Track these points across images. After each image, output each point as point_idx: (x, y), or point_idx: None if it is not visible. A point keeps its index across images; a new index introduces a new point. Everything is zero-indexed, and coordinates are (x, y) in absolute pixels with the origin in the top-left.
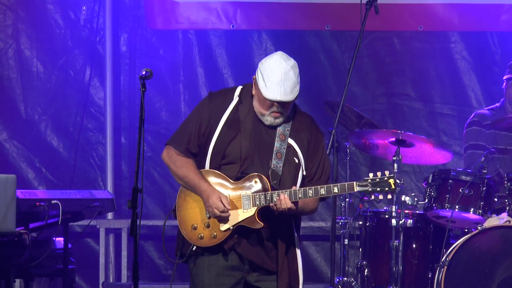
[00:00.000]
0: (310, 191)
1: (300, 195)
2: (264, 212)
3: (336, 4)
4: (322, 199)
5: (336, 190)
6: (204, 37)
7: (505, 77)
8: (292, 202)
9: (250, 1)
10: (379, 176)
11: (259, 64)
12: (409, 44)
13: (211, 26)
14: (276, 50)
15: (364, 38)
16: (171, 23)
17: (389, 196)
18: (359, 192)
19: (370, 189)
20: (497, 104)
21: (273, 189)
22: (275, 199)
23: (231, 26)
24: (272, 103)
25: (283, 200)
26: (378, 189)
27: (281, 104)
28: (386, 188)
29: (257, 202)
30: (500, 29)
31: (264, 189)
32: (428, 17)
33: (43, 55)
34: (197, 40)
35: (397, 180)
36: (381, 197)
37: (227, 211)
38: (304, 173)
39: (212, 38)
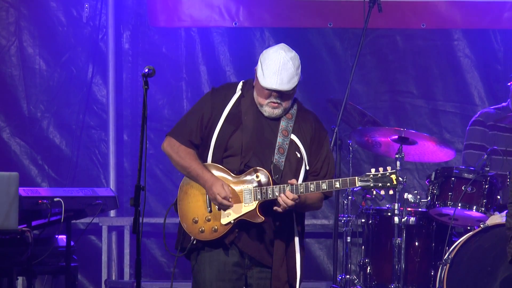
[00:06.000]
0: (312, 186)
1: (301, 190)
2: (266, 206)
3: (339, 1)
4: (326, 197)
5: (338, 185)
6: (207, 34)
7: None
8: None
9: None
10: (381, 172)
11: (260, 55)
12: (412, 41)
13: (214, 23)
14: None
15: (367, 36)
16: (174, 20)
17: (391, 192)
18: (361, 187)
19: (372, 184)
20: (504, 104)
21: (274, 183)
22: (276, 194)
23: (233, 24)
24: (270, 92)
25: (284, 198)
26: (380, 184)
27: (279, 94)
28: (388, 184)
29: (258, 197)
30: (503, 26)
31: (265, 184)
32: (431, 14)
33: (46, 52)
34: (199, 37)
35: (400, 178)
36: (382, 192)
37: (229, 199)
38: (307, 168)
39: (214, 36)
